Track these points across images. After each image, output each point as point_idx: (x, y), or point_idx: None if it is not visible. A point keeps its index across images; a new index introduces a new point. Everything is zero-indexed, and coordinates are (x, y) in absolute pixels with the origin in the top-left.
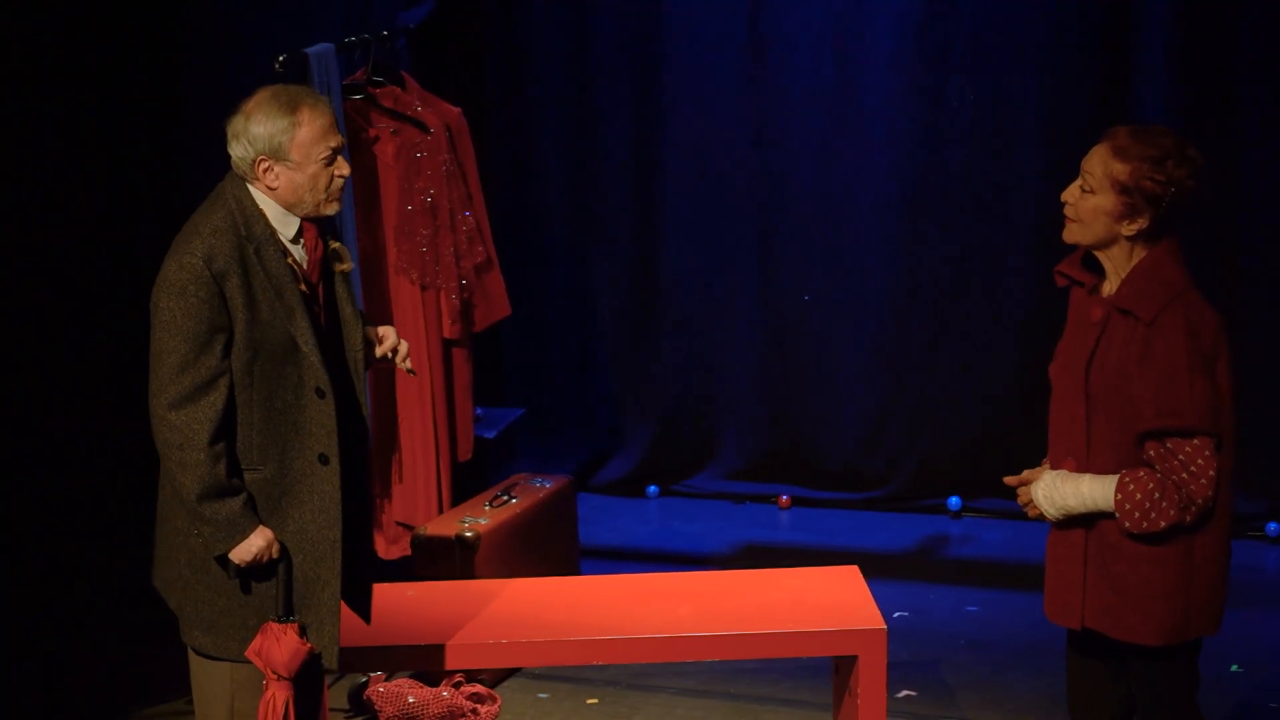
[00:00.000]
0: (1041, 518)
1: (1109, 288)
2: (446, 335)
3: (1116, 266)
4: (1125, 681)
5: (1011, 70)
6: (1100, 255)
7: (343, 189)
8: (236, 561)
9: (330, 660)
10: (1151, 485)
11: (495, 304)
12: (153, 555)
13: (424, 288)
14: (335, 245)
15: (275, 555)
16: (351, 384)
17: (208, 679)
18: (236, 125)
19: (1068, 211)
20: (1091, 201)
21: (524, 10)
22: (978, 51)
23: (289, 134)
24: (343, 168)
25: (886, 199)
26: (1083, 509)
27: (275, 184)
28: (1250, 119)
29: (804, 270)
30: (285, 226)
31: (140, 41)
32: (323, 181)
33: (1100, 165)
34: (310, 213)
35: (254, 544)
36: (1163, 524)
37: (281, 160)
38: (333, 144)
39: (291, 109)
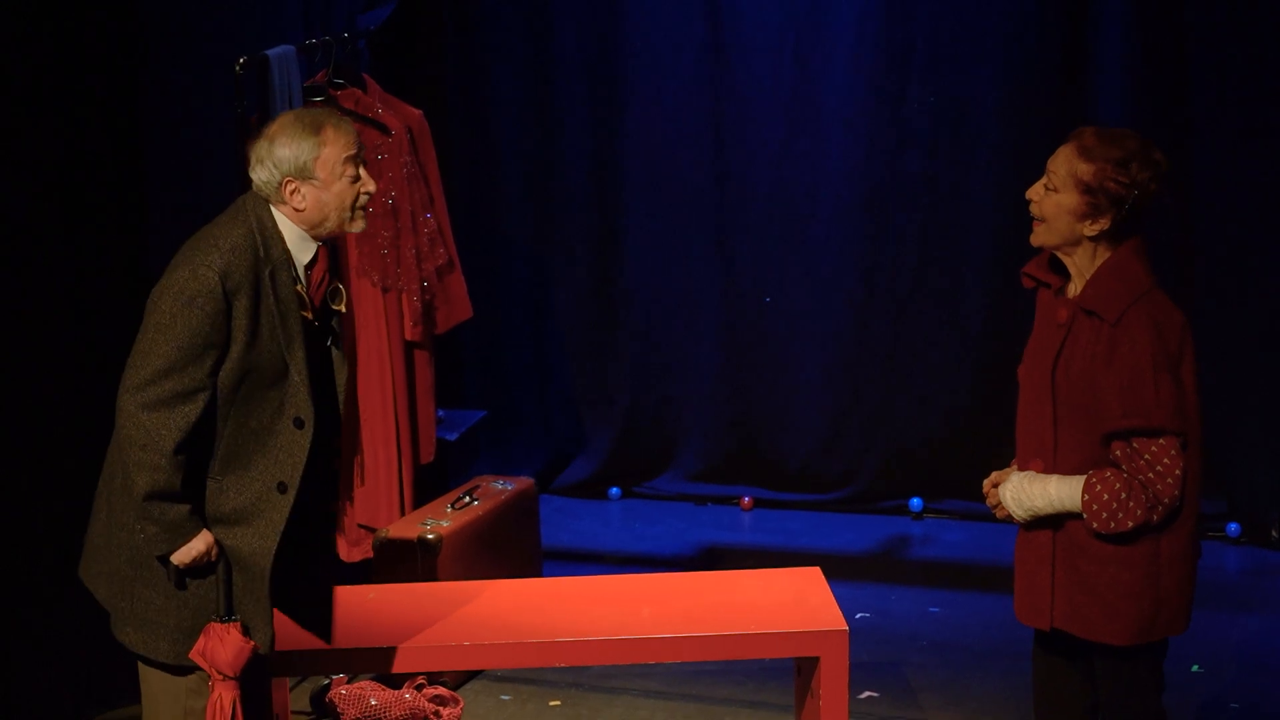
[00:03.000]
0: (1010, 519)
1: (1074, 289)
2: (408, 337)
3: (1080, 267)
4: (1091, 681)
5: (970, 74)
6: (1064, 257)
7: (368, 204)
8: (176, 563)
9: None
10: (1119, 486)
11: (457, 306)
12: (83, 546)
13: (385, 290)
14: (338, 284)
15: (214, 559)
16: (336, 423)
17: (159, 681)
18: (260, 150)
19: (1032, 210)
20: (1054, 199)
21: (484, 12)
22: (937, 55)
23: (314, 154)
24: (368, 184)
25: (846, 201)
26: (1050, 510)
27: (302, 205)
28: (1206, 121)
29: (764, 272)
30: (302, 252)
31: (99, 43)
32: (349, 199)
33: (1065, 164)
34: (335, 230)
35: (195, 547)
36: (1130, 524)
37: (308, 180)
38: (353, 153)
39: (315, 130)
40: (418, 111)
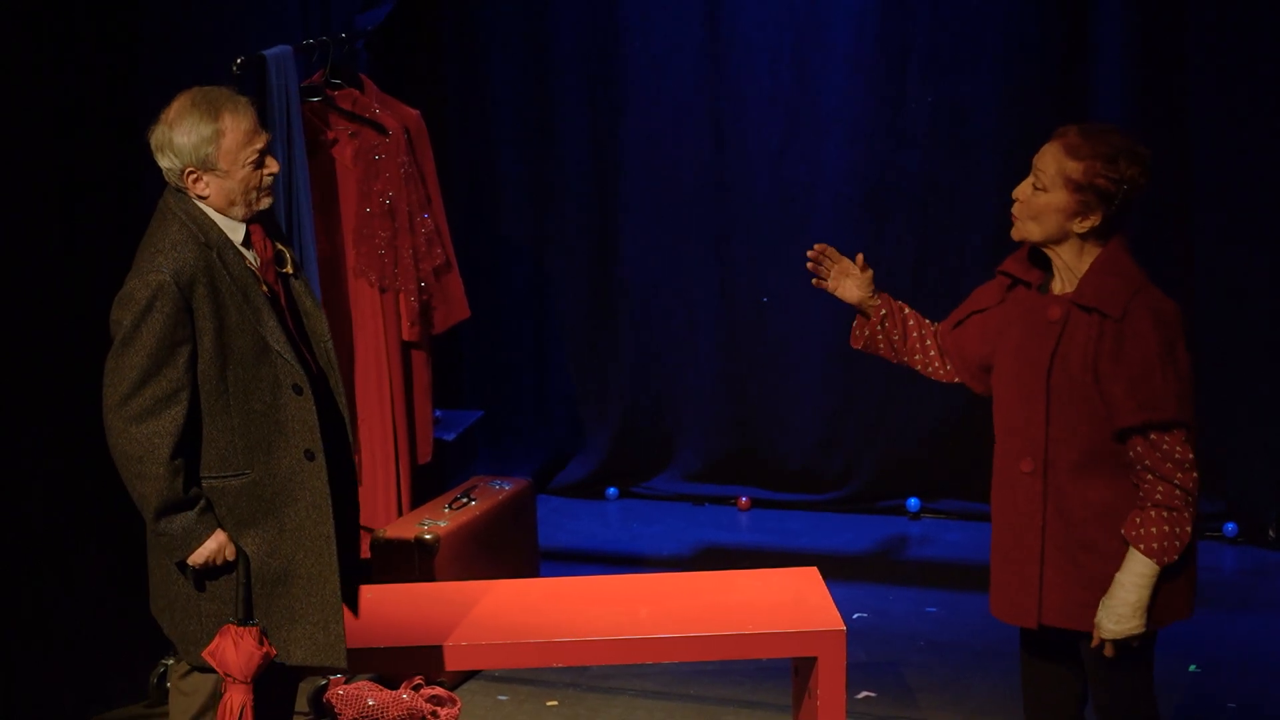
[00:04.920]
0: (1128, 640)
1: (1060, 285)
2: (405, 338)
3: (1068, 263)
4: (1080, 677)
5: (969, 72)
6: (1050, 252)
7: (274, 183)
8: (192, 564)
9: (338, 659)
10: (1153, 515)
11: (454, 306)
12: (148, 583)
13: (383, 290)
14: (280, 247)
15: (230, 557)
16: (326, 377)
17: (201, 684)
18: (159, 136)
19: (1017, 210)
20: (1044, 199)
21: (482, 12)
22: (936, 53)
23: (214, 143)
24: (271, 166)
25: (844, 200)
26: (1144, 591)
27: (206, 192)
28: (1204, 120)
29: (762, 271)
30: (234, 232)
31: (96, 43)
32: (253, 183)
33: (1053, 163)
34: (246, 214)
35: (207, 547)
36: (1188, 529)
37: (210, 170)
38: (259, 146)
39: (214, 116)
40: (415, 112)
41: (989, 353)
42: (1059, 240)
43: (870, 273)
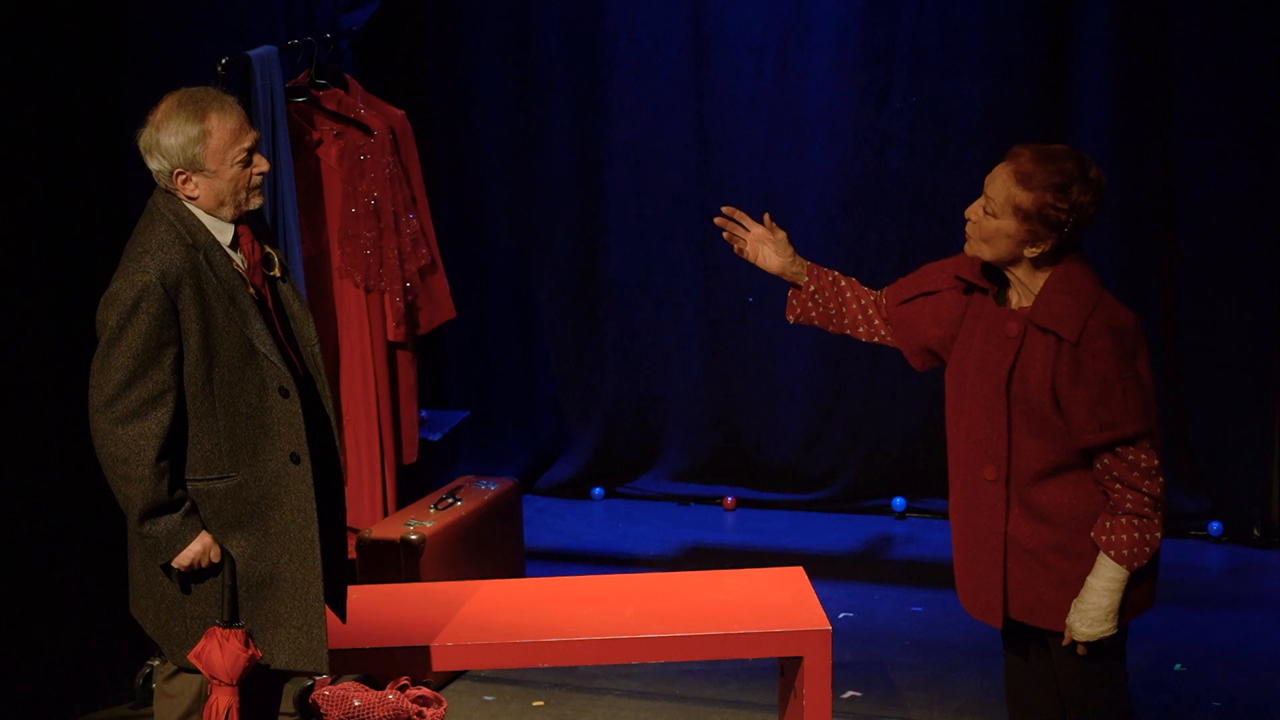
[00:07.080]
0: (1101, 642)
1: (1017, 298)
2: (391, 338)
3: (1022, 279)
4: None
5: (953, 73)
6: (1002, 268)
7: (262, 182)
8: (177, 567)
9: (320, 664)
10: (1124, 522)
11: (440, 306)
12: (128, 583)
13: (368, 290)
14: (268, 250)
15: (215, 560)
16: (313, 380)
17: (186, 686)
18: (147, 139)
19: (969, 230)
20: (993, 224)
21: (467, 12)
22: (920, 54)
23: (201, 144)
24: (261, 164)
25: (829, 201)
26: (1113, 595)
27: (195, 193)
28: (1188, 119)
29: (747, 271)
30: (222, 234)
31: (81, 43)
32: (242, 182)
33: (1003, 190)
34: (235, 214)
35: (192, 549)
36: (1159, 534)
37: (198, 170)
38: (246, 144)
39: (200, 116)
40: (400, 112)
41: (942, 336)
42: (1011, 262)
43: (784, 235)
